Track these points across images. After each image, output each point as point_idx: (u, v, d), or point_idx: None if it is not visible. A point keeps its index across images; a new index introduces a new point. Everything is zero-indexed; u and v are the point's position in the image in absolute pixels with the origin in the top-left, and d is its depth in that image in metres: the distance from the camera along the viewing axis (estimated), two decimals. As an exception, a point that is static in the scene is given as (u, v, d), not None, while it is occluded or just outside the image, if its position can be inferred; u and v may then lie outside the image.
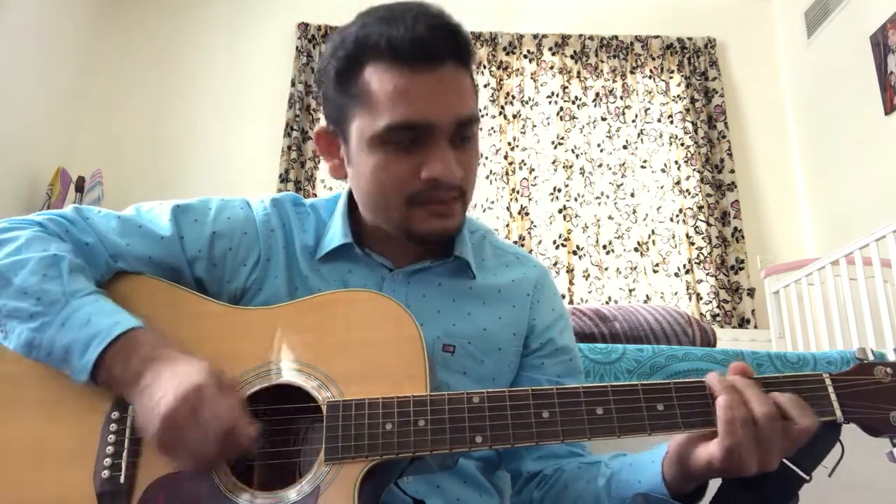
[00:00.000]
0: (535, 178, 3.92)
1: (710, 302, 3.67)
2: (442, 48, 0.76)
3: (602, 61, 4.13)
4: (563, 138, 3.98)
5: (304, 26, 4.09)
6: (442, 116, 0.76)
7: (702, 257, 3.76)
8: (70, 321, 0.69)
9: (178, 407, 0.62)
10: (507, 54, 4.12)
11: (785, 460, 0.64)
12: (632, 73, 4.11)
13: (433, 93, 0.76)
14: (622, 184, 3.92)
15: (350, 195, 0.89)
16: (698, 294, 3.70)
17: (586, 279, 3.71)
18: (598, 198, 3.89)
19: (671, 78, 4.13)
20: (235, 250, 0.84)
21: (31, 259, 0.72)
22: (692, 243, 3.81)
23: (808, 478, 0.65)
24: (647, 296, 3.68)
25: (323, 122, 0.87)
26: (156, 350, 0.69)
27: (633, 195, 3.90)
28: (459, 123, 0.78)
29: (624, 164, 3.95)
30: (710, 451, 0.63)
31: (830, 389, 0.66)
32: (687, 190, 3.91)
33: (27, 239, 0.74)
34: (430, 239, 0.82)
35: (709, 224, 3.82)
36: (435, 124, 0.76)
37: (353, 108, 0.79)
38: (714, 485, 0.70)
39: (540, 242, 3.80)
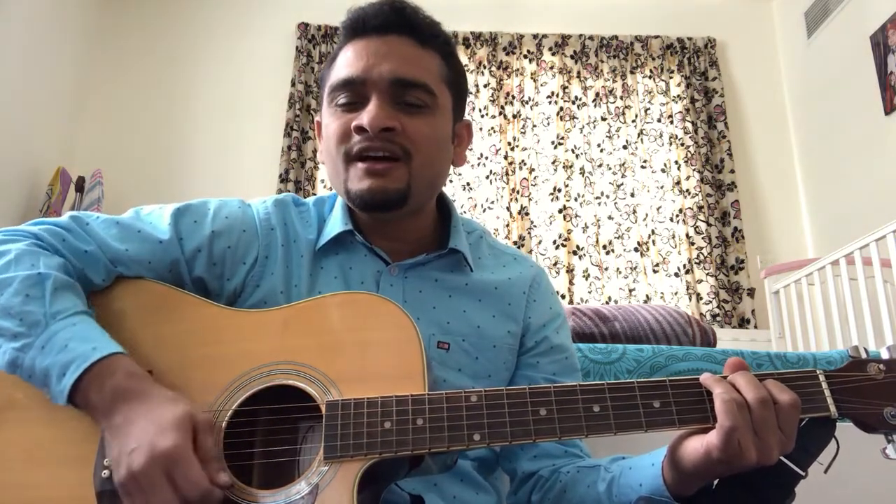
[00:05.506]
0: (535, 178, 3.92)
1: (710, 302, 3.67)
2: (393, 19, 0.84)
3: (602, 61, 4.13)
4: (563, 138, 3.98)
5: (304, 26, 4.09)
6: (377, 73, 0.81)
7: (702, 257, 3.76)
8: (49, 345, 0.68)
9: (150, 466, 0.61)
10: (507, 54, 4.12)
11: (781, 457, 0.64)
12: (632, 73, 4.11)
13: (375, 53, 0.82)
14: (622, 184, 3.92)
15: None
16: (698, 294, 3.70)
17: (586, 279, 3.71)
18: (598, 198, 3.89)
19: (671, 78, 4.13)
20: (234, 248, 0.85)
21: (16, 278, 0.71)
22: (692, 243, 3.81)
23: (803, 474, 0.66)
24: (647, 296, 3.68)
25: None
26: (128, 382, 0.67)
27: (633, 195, 3.90)
28: (398, 83, 0.81)
29: (624, 164, 3.95)
30: (708, 439, 0.64)
31: (824, 385, 0.66)
32: (687, 190, 3.91)
33: (17, 255, 0.74)
34: (368, 201, 0.82)
35: (709, 224, 3.82)
36: (367, 80, 0.81)
37: (325, 84, 0.87)
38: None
39: (540, 242, 3.80)
